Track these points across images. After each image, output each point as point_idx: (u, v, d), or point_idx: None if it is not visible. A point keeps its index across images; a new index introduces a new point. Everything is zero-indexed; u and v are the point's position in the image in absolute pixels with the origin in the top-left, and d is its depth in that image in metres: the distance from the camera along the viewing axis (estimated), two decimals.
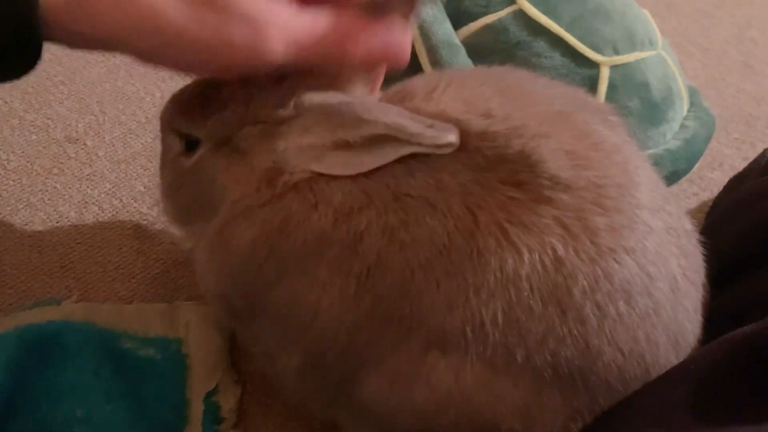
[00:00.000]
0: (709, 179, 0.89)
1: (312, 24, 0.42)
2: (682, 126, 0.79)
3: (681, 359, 0.45)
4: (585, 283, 0.40)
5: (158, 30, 0.40)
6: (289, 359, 0.48)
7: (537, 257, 0.40)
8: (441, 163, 0.43)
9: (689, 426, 0.40)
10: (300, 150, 0.46)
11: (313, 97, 0.46)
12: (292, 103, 0.46)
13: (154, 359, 0.58)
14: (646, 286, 0.42)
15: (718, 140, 1.00)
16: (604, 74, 0.73)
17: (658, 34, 0.80)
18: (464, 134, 0.43)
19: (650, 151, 0.74)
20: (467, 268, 0.41)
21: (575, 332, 0.40)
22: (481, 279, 0.40)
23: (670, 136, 0.77)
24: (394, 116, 0.42)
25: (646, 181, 0.45)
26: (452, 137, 0.42)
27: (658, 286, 0.42)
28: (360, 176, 0.44)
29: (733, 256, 0.56)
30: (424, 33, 0.72)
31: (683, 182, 0.87)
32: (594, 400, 0.42)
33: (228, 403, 0.57)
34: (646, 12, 0.82)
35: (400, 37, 0.44)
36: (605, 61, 0.73)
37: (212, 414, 0.56)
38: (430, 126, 0.42)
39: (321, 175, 0.45)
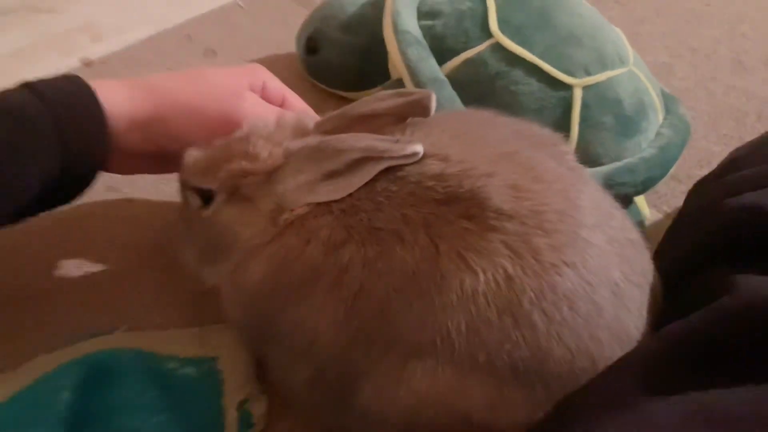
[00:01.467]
0: (698, 177, 0.88)
1: None
2: (657, 134, 0.82)
3: (625, 352, 0.49)
4: (532, 294, 0.45)
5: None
6: (298, 375, 0.53)
7: (491, 276, 0.45)
8: (405, 200, 0.49)
9: (635, 399, 0.43)
10: (297, 188, 0.53)
11: (297, 143, 0.53)
12: (282, 152, 0.54)
13: (193, 376, 0.63)
14: (587, 293, 0.46)
15: (707, 138, 1.00)
16: (577, 95, 0.77)
17: (630, 51, 0.83)
18: (423, 176, 0.50)
19: (626, 161, 0.77)
20: (433, 290, 0.46)
21: (527, 336, 0.45)
22: (445, 298, 0.45)
23: (645, 144, 0.80)
24: (364, 140, 0.50)
25: (588, 203, 0.50)
26: (416, 147, 0.50)
27: (600, 292, 0.47)
28: (340, 213, 0.51)
29: (691, 260, 0.58)
30: (412, 71, 0.78)
31: (671, 181, 0.89)
32: (550, 392, 0.47)
33: (258, 410, 0.62)
34: (618, 31, 0.86)
35: None
36: (578, 83, 0.77)
37: (245, 420, 0.60)
38: (396, 141, 0.50)
39: (310, 212, 0.52)
